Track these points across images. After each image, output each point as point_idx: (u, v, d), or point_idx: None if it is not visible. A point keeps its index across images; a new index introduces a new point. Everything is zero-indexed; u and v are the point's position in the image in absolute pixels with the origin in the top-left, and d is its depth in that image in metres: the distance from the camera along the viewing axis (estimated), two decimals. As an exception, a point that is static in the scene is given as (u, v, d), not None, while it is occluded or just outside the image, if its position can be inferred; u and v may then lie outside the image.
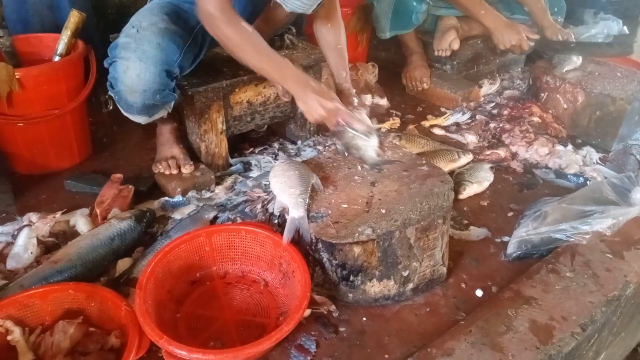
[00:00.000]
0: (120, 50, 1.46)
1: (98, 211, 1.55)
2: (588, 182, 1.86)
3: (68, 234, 1.52)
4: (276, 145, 2.05)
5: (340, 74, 1.71)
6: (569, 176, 1.90)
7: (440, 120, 2.31)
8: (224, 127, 1.81)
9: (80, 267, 1.33)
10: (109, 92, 1.56)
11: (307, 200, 1.32)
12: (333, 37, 1.73)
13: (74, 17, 1.80)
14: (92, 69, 1.84)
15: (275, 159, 1.95)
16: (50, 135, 1.79)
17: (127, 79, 1.46)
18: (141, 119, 1.62)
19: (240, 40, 1.41)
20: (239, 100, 1.82)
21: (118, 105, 1.59)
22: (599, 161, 2.03)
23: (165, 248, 1.28)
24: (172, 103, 1.63)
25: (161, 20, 1.49)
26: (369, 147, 1.49)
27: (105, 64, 1.53)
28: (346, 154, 1.52)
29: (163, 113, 1.64)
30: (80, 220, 1.54)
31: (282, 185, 1.36)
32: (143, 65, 1.44)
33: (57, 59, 1.81)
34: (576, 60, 2.28)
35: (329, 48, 1.74)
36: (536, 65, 2.36)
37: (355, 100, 1.66)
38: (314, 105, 1.43)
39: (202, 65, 1.78)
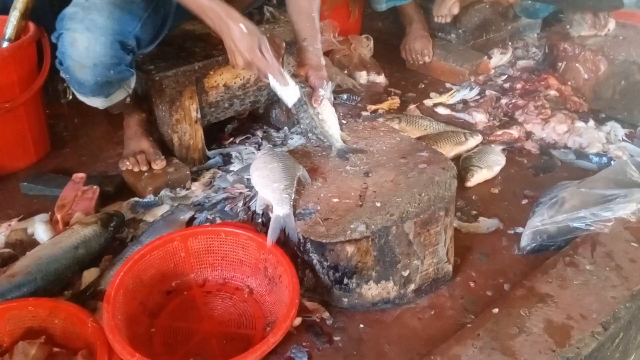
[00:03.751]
0: (67, 21, 1.46)
1: (59, 216, 1.57)
2: (612, 163, 1.88)
3: (26, 244, 1.54)
4: (259, 133, 2.06)
5: (312, 44, 1.64)
6: (590, 156, 1.93)
7: (444, 98, 2.32)
8: (199, 116, 1.82)
9: (41, 280, 1.35)
10: (61, 72, 1.55)
11: (293, 195, 1.34)
12: (307, 3, 1.66)
13: (22, -3, 1.80)
14: (46, 54, 1.84)
15: (259, 149, 1.97)
16: (2, 131, 1.80)
17: (75, 52, 1.46)
18: (97, 102, 1.62)
19: None
20: (214, 84, 1.83)
21: (70, 86, 1.59)
22: (624, 138, 2.05)
23: (136, 255, 1.30)
24: (132, 81, 1.64)
25: None
26: (331, 129, 1.55)
27: (53, 39, 1.53)
28: (309, 137, 1.57)
29: (122, 94, 1.65)
30: (39, 228, 1.57)
31: (265, 180, 1.38)
32: (92, 36, 1.44)
33: (5, 44, 1.81)
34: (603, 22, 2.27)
35: (299, 14, 1.66)
36: (552, 31, 2.38)
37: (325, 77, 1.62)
38: (239, 50, 1.45)
39: (171, 46, 1.80)
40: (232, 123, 2.08)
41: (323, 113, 1.57)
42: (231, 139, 2.02)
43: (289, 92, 1.54)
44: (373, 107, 2.26)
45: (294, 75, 1.60)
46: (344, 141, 1.55)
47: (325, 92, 1.58)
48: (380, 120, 1.95)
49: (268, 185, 1.36)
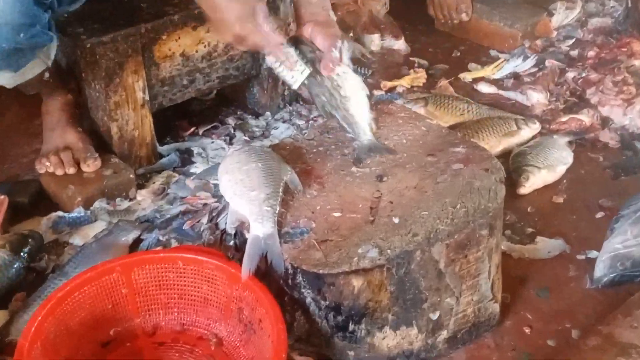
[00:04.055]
0: None
1: (-47, 238, 1.57)
2: None
3: None
4: (231, 121, 2.08)
5: None
6: (690, 151, 1.94)
7: (489, 71, 2.34)
8: (147, 97, 1.83)
9: None
10: None
11: (278, 208, 1.34)
12: None
13: None
14: None
15: (230, 143, 1.98)
16: None
17: None
18: (3, 78, 1.63)
19: None
20: (168, 54, 1.84)
21: None
22: None
23: (59, 293, 1.29)
24: (51, 49, 1.64)
25: None
26: (357, 111, 1.51)
27: None
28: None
29: (38, 67, 1.65)
30: None
31: (239, 187, 1.38)
32: None
33: None
34: None
35: None
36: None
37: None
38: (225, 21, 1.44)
39: (107, 0, 1.81)
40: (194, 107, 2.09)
41: (345, 86, 1.51)
42: (192, 130, 2.03)
43: (294, 73, 1.51)
44: (389, 84, 2.26)
45: (299, 50, 1.56)
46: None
47: (339, 53, 1.52)
48: (399, 102, 1.96)
49: (243, 194, 1.36)
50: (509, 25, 2.47)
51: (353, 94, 1.51)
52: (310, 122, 2.05)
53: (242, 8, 1.44)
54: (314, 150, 1.53)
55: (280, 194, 1.36)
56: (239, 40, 1.48)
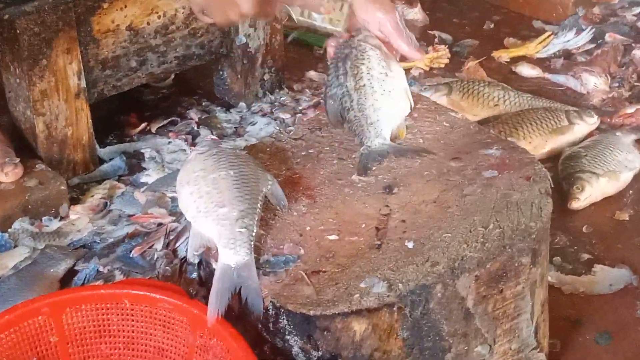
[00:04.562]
0: None
1: None
2: None
3: None
4: (194, 114, 2.09)
5: None
6: None
7: (532, 48, 2.35)
8: (84, 84, 1.84)
9: None
10: None
11: (256, 229, 1.34)
12: None
13: None
14: None
15: (193, 143, 1.99)
16: None
17: None
18: None
19: None
20: (110, 27, 1.85)
21: None
22: None
23: (-33, 342, 1.30)
24: None
25: None
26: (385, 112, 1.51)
27: None
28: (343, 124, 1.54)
29: None
30: None
31: (204, 202, 1.38)
32: None
33: None
34: None
35: None
36: None
37: None
38: None
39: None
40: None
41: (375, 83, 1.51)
42: (143, 126, 2.05)
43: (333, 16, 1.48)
44: (402, 66, 2.27)
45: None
46: (394, 138, 1.50)
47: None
48: (415, 89, 1.96)
49: (210, 212, 1.36)
50: (558, -11, 2.49)
51: (393, 85, 1.52)
52: (298, 115, 2.05)
53: None
54: (303, 153, 1.54)
55: (259, 211, 1.36)
56: None
